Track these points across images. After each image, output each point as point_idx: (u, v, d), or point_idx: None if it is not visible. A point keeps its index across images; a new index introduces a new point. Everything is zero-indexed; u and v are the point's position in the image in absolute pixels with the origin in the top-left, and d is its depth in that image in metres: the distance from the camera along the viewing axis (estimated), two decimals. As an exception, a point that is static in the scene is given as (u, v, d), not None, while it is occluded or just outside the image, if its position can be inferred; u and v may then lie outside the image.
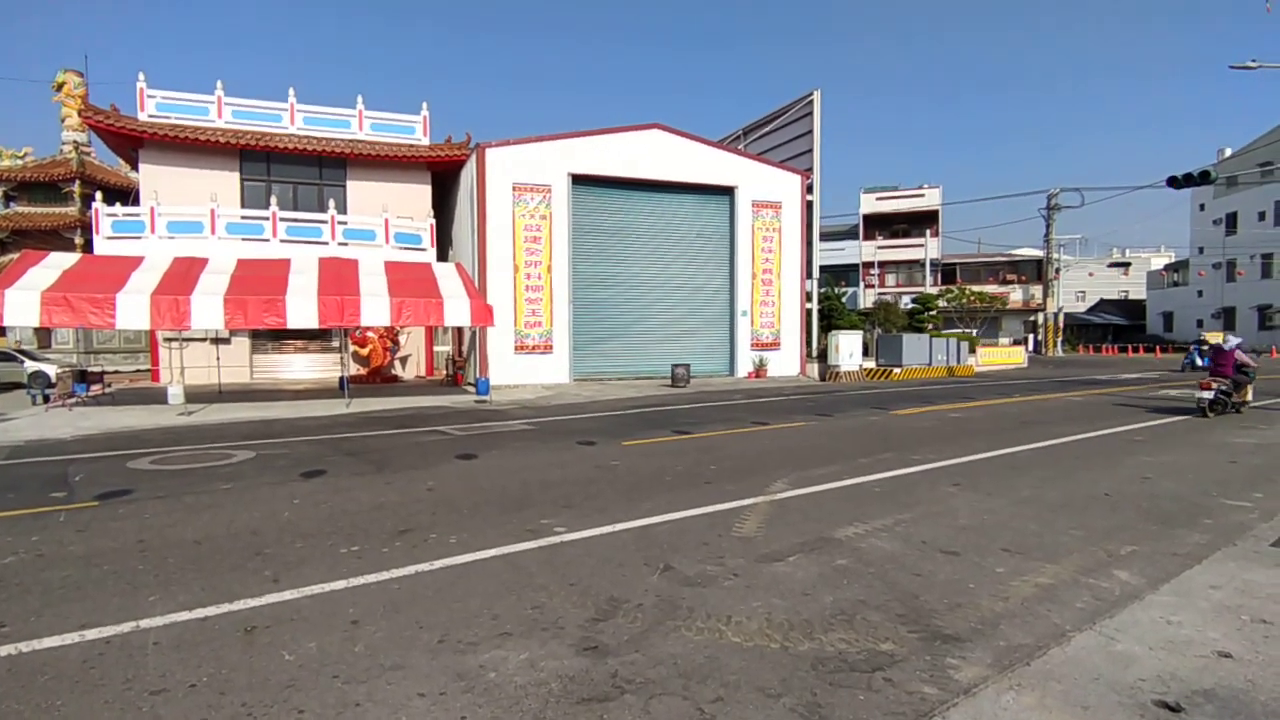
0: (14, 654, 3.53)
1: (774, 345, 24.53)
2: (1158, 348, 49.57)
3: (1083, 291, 67.55)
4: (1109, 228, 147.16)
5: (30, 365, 20.84)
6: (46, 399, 16.84)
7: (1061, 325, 49.91)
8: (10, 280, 13.96)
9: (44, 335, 25.39)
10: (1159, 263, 66.13)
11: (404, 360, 24.51)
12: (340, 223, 21.97)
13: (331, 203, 22.46)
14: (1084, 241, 67.26)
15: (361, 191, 23.88)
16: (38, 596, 4.32)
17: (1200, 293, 54.63)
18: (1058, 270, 49.65)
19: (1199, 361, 25.63)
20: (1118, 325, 60.55)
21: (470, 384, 20.44)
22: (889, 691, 3.16)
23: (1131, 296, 66.25)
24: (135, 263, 16.09)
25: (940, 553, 5.11)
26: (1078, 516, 6.13)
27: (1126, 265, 67.00)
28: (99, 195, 21.12)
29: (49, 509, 6.58)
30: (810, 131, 26.28)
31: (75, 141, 29.76)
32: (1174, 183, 16.80)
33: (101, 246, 19.81)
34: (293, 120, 23.52)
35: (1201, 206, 55.31)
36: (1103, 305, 65.57)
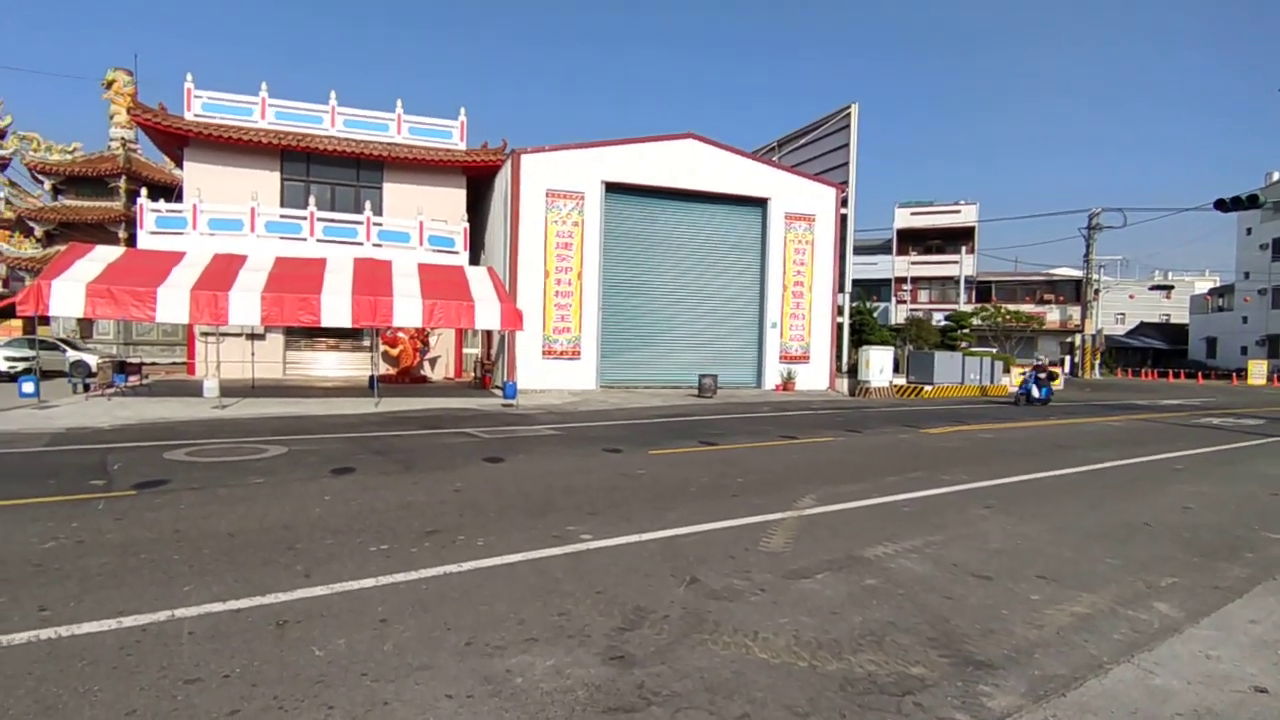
0: (54, 638, 3.61)
1: (803, 358, 24.37)
2: (1200, 374, 48.26)
3: (1122, 314, 66.16)
4: (1151, 249, 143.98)
5: (71, 354, 21.46)
6: (87, 388, 17.30)
7: (1100, 347, 48.86)
8: (58, 271, 14.40)
9: (85, 326, 26.13)
10: (1203, 287, 64.43)
11: (433, 361, 24.77)
12: (376, 224, 22.33)
13: (368, 204, 22.83)
14: (1125, 263, 65.77)
15: (397, 194, 24.26)
16: (77, 582, 4.42)
17: (1245, 319, 53.13)
18: (1097, 291, 48.67)
19: (1036, 393, 20.49)
20: (1158, 349, 59.08)
21: (498, 387, 20.60)
22: (919, 716, 3.10)
23: (1173, 320, 64.65)
24: (177, 258, 16.51)
25: (972, 576, 5.01)
26: (1115, 545, 5.98)
27: (1169, 288, 65.31)
28: (144, 191, 21.72)
29: (88, 496, 6.74)
30: (846, 145, 26.12)
31: (123, 138, 30.66)
32: (1221, 206, 16.41)
33: (145, 241, 20.34)
34: (333, 122, 24.00)
35: (1249, 231, 53.86)
36: (1143, 328, 64.07)
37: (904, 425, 14.84)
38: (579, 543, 5.53)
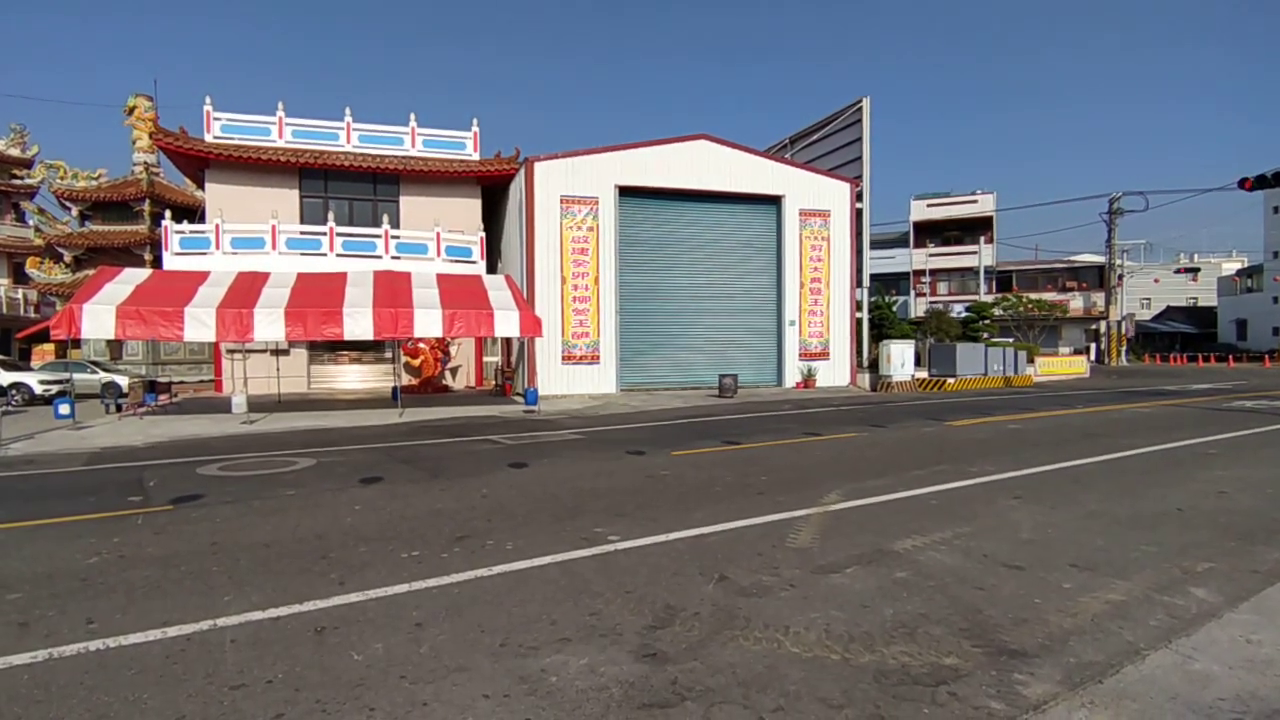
0: (102, 649, 3.72)
1: (823, 355, 24.25)
2: (1230, 357, 47.31)
3: (1148, 298, 65.05)
4: (1176, 232, 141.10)
5: (103, 376, 21.91)
6: (119, 408, 17.68)
7: (1127, 333, 48.07)
8: (88, 295, 14.73)
9: (115, 347, 26.66)
10: (1231, 268, 63.16)
11: (454, 371, 24.99)
12: (394, 237, 22.60)
13: (385, 218, 23.12)
14: (1149, 247, 64.44)
15: (414, 206, 24.53)
16: (122, 595, 4.54)
17: (1276, 299, 52.02)
18: (1121, 277, 47.90)
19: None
20: (1186, 333, 57.97)
21: (519, 394, 20.72)
22: (954, 706, 3.10)
23: (1201, 303, 63.45)
24: (202, 277, 16.82)
25: (1003, 567, 4.98)
26: (1149, 532, 5.91)
27: (1195, 271, 64.09)
28: (168, 213, 22.16)
29: (128, 512, 6.91)
30: (859, 139, 26.00)
31: (145, 163, 31.26)
32: (1246, 184, 16.12)
33: (170, 262, 20.75)
34: (349, 139, 24.33)
35: (1276, 209, 52.78)
36: (1170, 313, 62.94)
37: (928, 418, 14.73)
38: (607, 544, 5.58)
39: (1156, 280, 65.31)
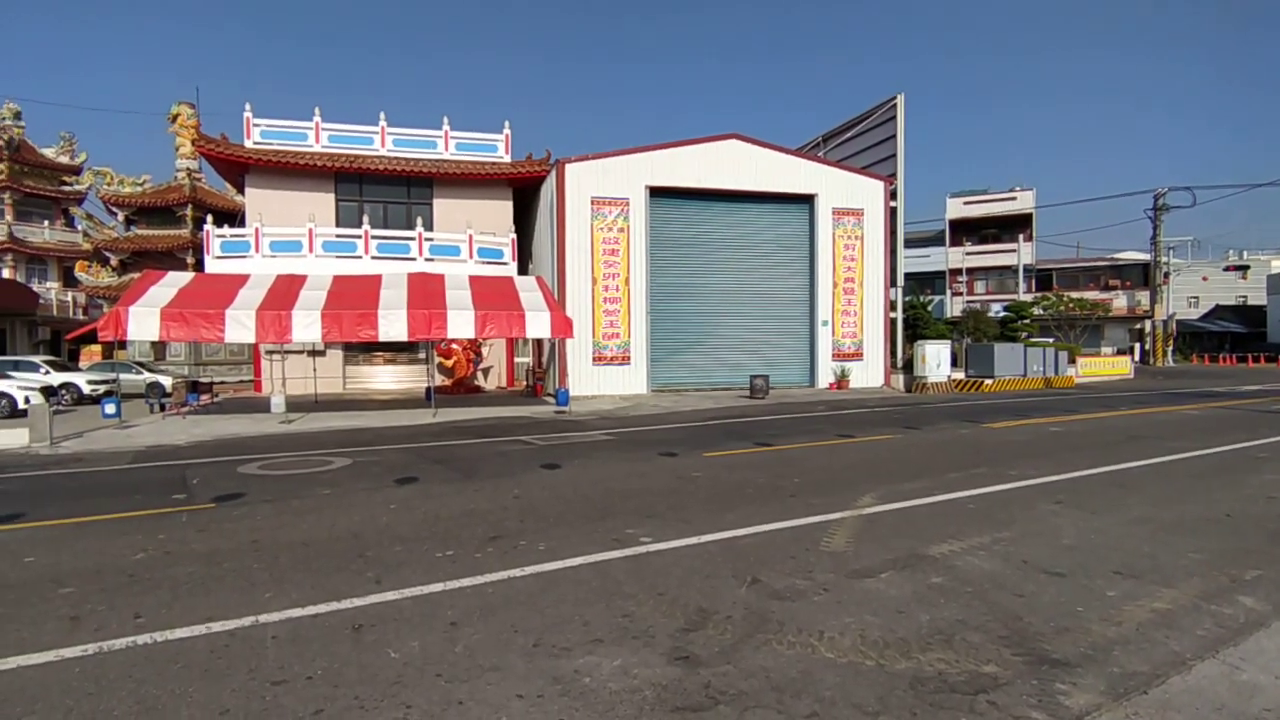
0: (150, 643, 3.83)
1: (856, 355, 23.97)
2: (1280, 358, 45.69)
3: (1195, 297, 63.00)
4: (1225, 229, 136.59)
5: (148, 376, 22.56)
6: (163, 408, 18.17)
7: (1172, 333, 46.68)
8: (133, 298, 15.18)
9: (158, 348, 27.42)
10: (1281, 265, 60.95)
11: (486, 371, 25.21)
12: (427, 239, 22.89)
13: (419, 220, 23.43)
14: (1196, 244, 62.38)
15: (446, 208, 24.82)
16: (167, 590, 4.67)
17: (1329, 297, 50.03)
18: (1167, 275, 46.55)
19: None
20: (1235, 333, 56.05)
21: (550, 395, 20.83)
22: (993, 715, 3.04)
23: (1251, 302, 61.28)
24: (242, 280, 17.21)
25: (1044, 573, 4.88)
26: (1196, 538, 5.73)
27: (1245, 268, 61.85)
28: (209, 218, 22.74)
29: (172, 510, 7.10)
30: (893, 136, 25.65)
31: (188, 168, 32.14)
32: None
33: (211, 265, 21.28)
34: (383, 143, 24.71)
35: (1329, 203, 50.74)
36: (1218, 311, 60.86)
37: (964, 420, 14.48)
38: (639, 545, 5.58)
39: (1205, 278, 63.24)
